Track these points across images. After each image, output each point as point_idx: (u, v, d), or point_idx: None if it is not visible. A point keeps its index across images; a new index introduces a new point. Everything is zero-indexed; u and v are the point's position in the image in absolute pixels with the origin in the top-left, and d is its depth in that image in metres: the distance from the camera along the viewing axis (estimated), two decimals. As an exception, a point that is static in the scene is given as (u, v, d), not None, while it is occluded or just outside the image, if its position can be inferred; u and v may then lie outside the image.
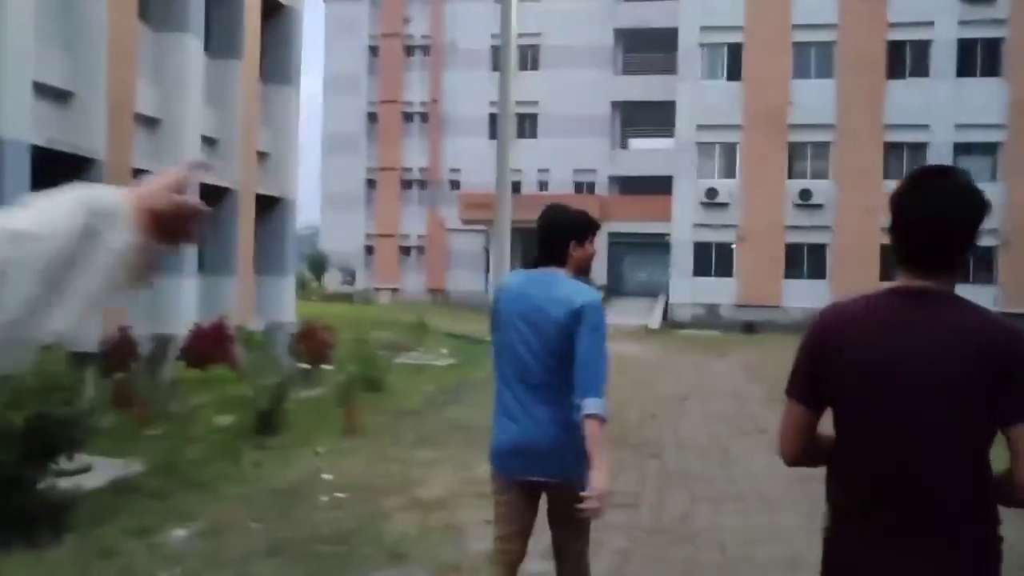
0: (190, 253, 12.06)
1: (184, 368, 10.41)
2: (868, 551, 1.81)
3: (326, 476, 6.58)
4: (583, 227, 3.19)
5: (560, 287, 3.06)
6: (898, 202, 1.88)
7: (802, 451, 1.92)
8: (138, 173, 10.95)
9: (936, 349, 1.76)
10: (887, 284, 1.90)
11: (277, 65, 14.82)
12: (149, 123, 11.62)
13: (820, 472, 1.91)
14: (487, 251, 38.46)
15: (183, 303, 11.82)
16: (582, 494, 2.77)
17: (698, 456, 7.81)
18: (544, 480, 3.03)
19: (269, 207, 14.84)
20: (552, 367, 2.98)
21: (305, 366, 13.45)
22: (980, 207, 1.89)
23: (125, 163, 10.68)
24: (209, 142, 13.07)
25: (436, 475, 6.65)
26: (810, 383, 1.87)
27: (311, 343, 12.81)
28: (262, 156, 14.68)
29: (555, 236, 3.14)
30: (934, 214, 1.83)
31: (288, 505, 5.77)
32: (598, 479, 2.79)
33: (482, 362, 17.53)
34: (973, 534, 1.78)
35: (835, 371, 1.82)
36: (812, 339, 1.89)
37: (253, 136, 13.98)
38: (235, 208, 13.42)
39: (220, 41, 13.25)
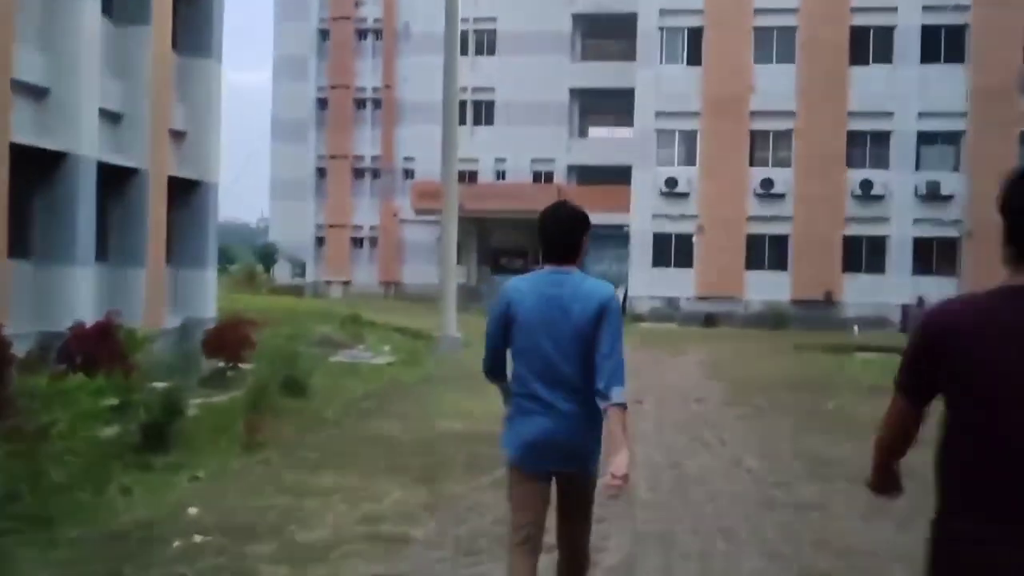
0: (85, 238, 10.71)
1: (69, 373, 9.06)
2: (995, 544, 1.82)
3: (192, 510, 5.36)
4: (588, 221, 3.29)
5: (581, 284, 3.19)
6: (1013, 199, 1.88)
7: (904, 442, 1.99)
8: (18, 149, 9.58)
9: None
10: (1009, 282, 1.86)
11: (195, 35, 13.43)
12: (34, 93, 10.23)
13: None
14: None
15: (77, 297, 10.47)
16: (608, 477, 2.94)
17: (648, 476, 6.71)
18: (564, 472, 3.24)
19: (186, 192, 13.48)
20: (579, 364, 3.13)
21: (223, 366, 12.21)
22: None
23: (2, 137, 9.31)
24: (111, 117, 11.69)
25: (329, 510, 5.46)
26: (926, 379, 1.90)
27: (226, 341, 11.53)
28: (178, 135, 13.30)
29: (572, 231, 3.24)
30: None
31: (126, 554, 4.55)
32: (622, 463, 2.95)
33: (424, 360, 16.38)
34: None
35: (963, 368, 1.83)
36: (932, 336, 1.88)
37: (165, 112, 12.61)
38: (143, 191, 12.06)
39: (124, 5, 11.86)
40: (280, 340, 17.46)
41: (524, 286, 3.26)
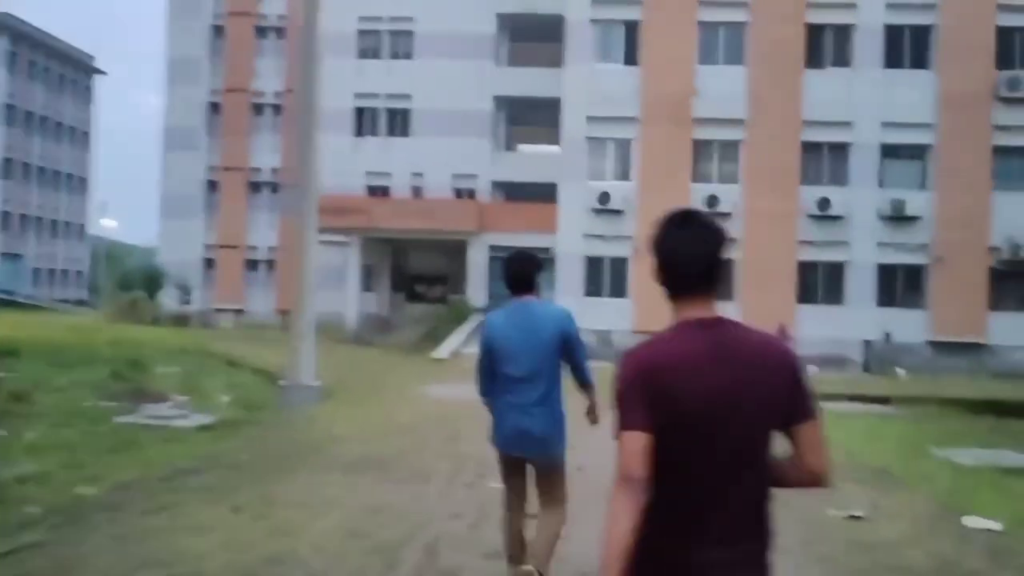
0: None
1: None
2: (701, 552, 2.01)
3: None
4: (541, 264, 4.39)
5: (544, 309, 4.24)
6: (665, 241, 2.18)
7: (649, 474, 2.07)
8: None
9: (750, 369, 2.05)
10: (683, 317, 2.13)
11: None
12: None
13: None
14: (364, 266, 32.85)
15: None
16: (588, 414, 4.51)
17: None
18: (535, 455, 4.27)
19: None
20: (549, 373, 4.16)
21: None
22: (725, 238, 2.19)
23: None
24: None
25: None
26: (649, 413, 2.03)
27: None
28: None
29: (530, 272, 4.28)
30: (708, 248, 2.16)
31: None
32: (597, 407, 4.43)
33: (259, 419, 11.99)
34: (769, 522, 2.11)
35: (671, 399, 2.02)
36: (640, 375, 2.07)
37: None
38: None
39: None
40: (52, 390, 12.95)
41: (500, 319, 4.26)
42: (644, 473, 2.00)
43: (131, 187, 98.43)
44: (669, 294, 2.17)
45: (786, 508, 6.60)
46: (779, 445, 2.08)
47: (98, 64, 62.67)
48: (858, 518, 6.45)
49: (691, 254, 2.14)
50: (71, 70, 59.61)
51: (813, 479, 2.11)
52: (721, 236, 2.17)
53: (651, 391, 2.03)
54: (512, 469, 4.33)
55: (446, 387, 16.12)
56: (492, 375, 4.23)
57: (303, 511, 6.15)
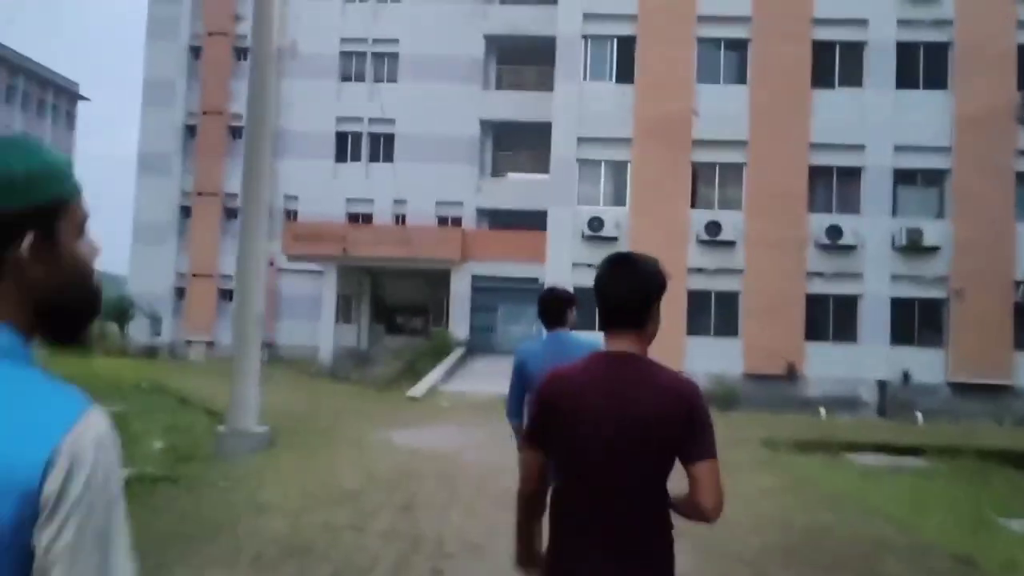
0: None
1: None
2: (590, 564, 2.16)
3: None
4: (573, 299, 4.58)
5: (576, 340, 4.31)
6: (600, 279, 2.33)
7: (543, 495, 2.36)
8: None
9: (642, 404, 2.16)
10: (601, 350, 2.30)
11: None
12: None
13: None
14: (341, 297, 30.98)
15: None
16: None
17: None
18: None
19: None
20: None
21: None
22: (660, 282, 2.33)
23: None
24: None
25: None
26: (544, 433, 2.27)
27: None
28: None
29: (562, 307, 4.49)
30: (638, 288, 2.28)
31: None
32: None
33: (180, 477, 10.03)
34: (659, 547, 2.22)
35: (564, 423, 2.21)
36: (544, 399, 2.28)
37: None
38: None
39: None
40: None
41: (535, 348, 4.49)
42: (536, 485, 2.32)
43: (111, 214, 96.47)
44: (602, 327, 2.31)
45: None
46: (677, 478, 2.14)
47: (83, 91, 61.15)
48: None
49: (620, 293, 2.29)
50: (53, 96, 58.04)
51: (700, 515, 2.20)
52: (652, 279, 2.30)
53: (549, 414, 2.25)
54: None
55: (415, 433, 14.13)
56: (521, 402, 4.41)
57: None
